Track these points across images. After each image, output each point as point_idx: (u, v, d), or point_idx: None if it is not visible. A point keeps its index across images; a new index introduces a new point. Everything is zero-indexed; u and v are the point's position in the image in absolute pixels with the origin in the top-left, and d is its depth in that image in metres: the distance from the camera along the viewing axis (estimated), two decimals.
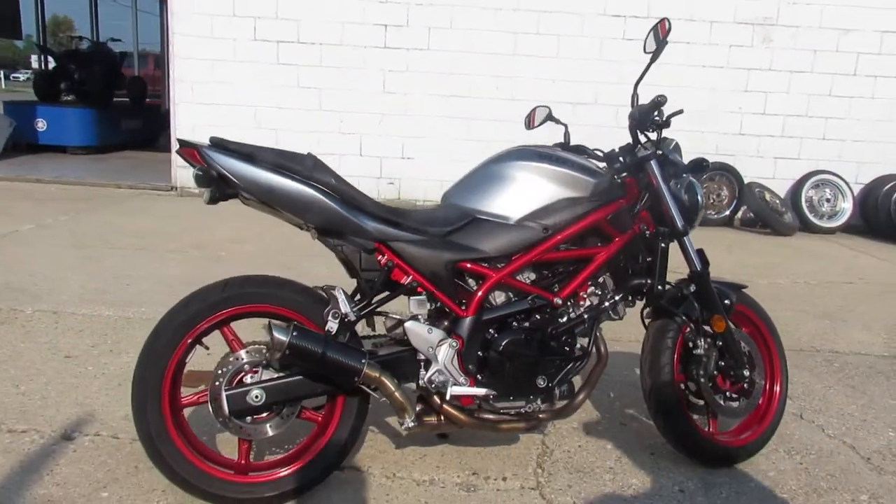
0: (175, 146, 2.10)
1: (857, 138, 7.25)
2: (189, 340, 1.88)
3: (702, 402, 2.29)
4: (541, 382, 2.03)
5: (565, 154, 2.16)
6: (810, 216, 7.12)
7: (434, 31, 6.99)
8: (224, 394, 1.82)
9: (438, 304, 2.00)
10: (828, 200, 7.19)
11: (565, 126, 2.51)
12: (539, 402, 2.05)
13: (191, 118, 7.19)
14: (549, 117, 2.57)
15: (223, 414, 1.84)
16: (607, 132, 7.10)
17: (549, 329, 2.03)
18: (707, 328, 2.23)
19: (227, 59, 7.04)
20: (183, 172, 7.22)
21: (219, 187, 1.85)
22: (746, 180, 7.17)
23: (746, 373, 2.26)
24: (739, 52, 7.06)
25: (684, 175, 2.26)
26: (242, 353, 1.90)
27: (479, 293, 1.99)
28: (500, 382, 2.00)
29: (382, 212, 1.95)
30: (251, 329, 2.09)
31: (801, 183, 7.20)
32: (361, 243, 1.93)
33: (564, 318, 2.06)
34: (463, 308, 1.99)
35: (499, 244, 2.02)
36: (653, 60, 2.15)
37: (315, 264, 4.69)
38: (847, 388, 3.09)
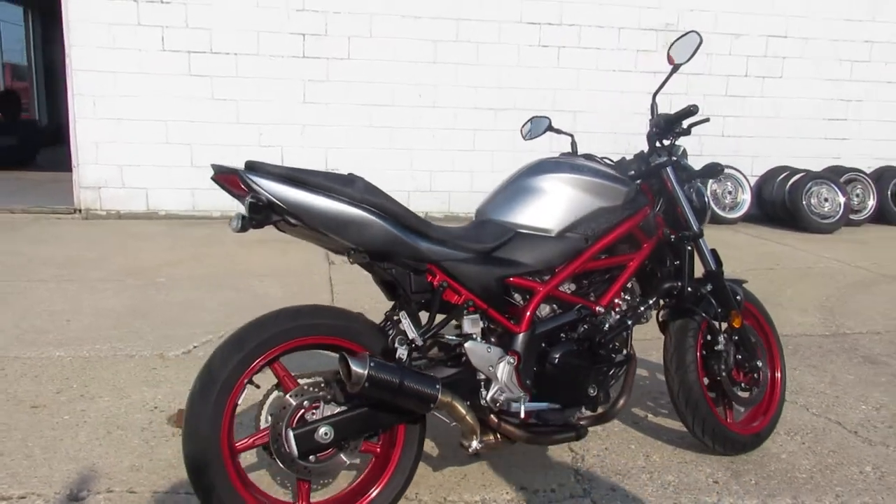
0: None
1: (750, 134, 7.86)
2: (245, 381, 1.76)
3: (714, 395, 2.41)
4: (591, 391, 2.06)
5: (595, 164, 2.20)
6: (716, 208, 7.62)
7: (354, 40, 6.89)
8: (291, 434, 1.71)
9: (491, 322, 1.98)
10: (730, 193, 7.73)
11: (571, 136, 2.57)
12: (587, 410, 2.08)
13: (92, 134, 6.69)
14: (550, 128, 2.61)
15: (289, 455, 1.73)
16: (518, 135, 7.33)
17: (596, 338, 2.06)
18: (719, 324, 2.35)
19: (132, 71, 6.61)
20: (88, 194, 6.70)
21: (265, 215, 1.74)
22: None
23: (759, 364, 2.40)
24: (646, 57, 7.45)
25: (693, 180, 2.37)
26: (301, 388, 1.80)
27: (531, 307, 1.99)
28: (556, 395, 2.01)
29: (432, 231, 1.91)
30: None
31: None
32: (414, 265, 1.87)
33: (607, 326, 2.10)
34: (515, 324, 1.98)
35: (543, 257, 2.03)
36: (674, 71, 2.22)
37: (267, 285, 4.51)
38: (810, 369, 3.34)
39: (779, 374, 2.56)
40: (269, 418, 1.86)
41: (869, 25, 7.84)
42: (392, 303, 2.07)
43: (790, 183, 7.43)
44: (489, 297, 1.96)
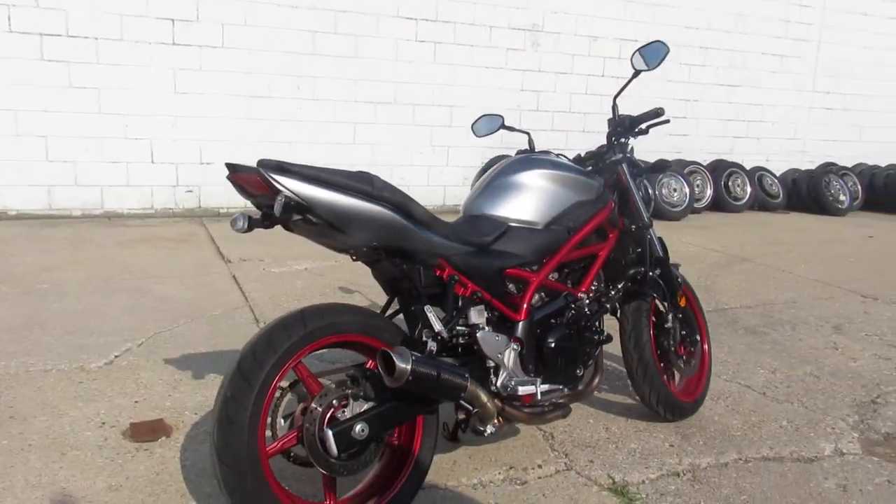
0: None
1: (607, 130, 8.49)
2: (280, 384, 1.71)
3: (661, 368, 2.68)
4: (578, 371, 2.22)
5: (569, 161, 2.35)
6: None
7: (228, 28, 6.59)
8: (330, 433, 1.70)
9: (493, 312, 2.07)
10: None
11: (528, 134, 2.70)
12: (575, 388, 2.24)
13: None
14: (504, 126, 2.73)
15: (326, 455, 1.72)
16: (404, 129, 7.44)
17: (582, 321, 2.22)
18: (666, 304, 2.62)
19: None
20: None
21: (290, 215, 1.70)
22: None
23: (698, 338, 2.70)
24: (515, 55, 7.82)
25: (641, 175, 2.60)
26: (328, 388, 1.78)
27: (528, 296, 2.11)
28: (551, 376, 2.15)
29: (440, 226, 1.96)
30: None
31: None
32: (426, 260, 1.92)
33: (588, 310, 2.27)
34: (514, 312, 2.09)
35: (534, 248, 2.15)
36: (634, 77, 2.42)
37: (167, 288, 4.25)
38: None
39: (706, 346, 2.88)
40: (283, 421, 1.84)
41: (704, 33, 8.78)
42: (392, 299, 2.10)
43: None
44: (491, 288, 2.05)
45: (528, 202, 2.18)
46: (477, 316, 2.03)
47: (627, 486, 2.24)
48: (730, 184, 8.86)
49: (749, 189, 8.95)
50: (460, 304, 1.98)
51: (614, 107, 2.54)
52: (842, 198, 9.21)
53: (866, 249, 6.84)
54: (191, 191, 6.77)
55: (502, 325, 2.09)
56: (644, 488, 2.23)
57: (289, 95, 6.92)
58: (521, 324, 2.08)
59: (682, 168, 8.42)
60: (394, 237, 1.83)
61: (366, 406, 1.79)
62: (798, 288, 5.02)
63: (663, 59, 2.44)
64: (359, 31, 7.08)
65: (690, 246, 6.44)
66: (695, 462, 2.42)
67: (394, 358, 1.67)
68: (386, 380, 1.70)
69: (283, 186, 1.67)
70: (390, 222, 1.81)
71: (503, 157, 2.66)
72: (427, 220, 1.91)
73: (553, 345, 2.13)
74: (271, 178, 1.67)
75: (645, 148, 8.53)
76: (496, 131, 2.77)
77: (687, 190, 8.17)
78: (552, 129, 8.19)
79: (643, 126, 2.53)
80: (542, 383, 2.10)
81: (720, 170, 8.87)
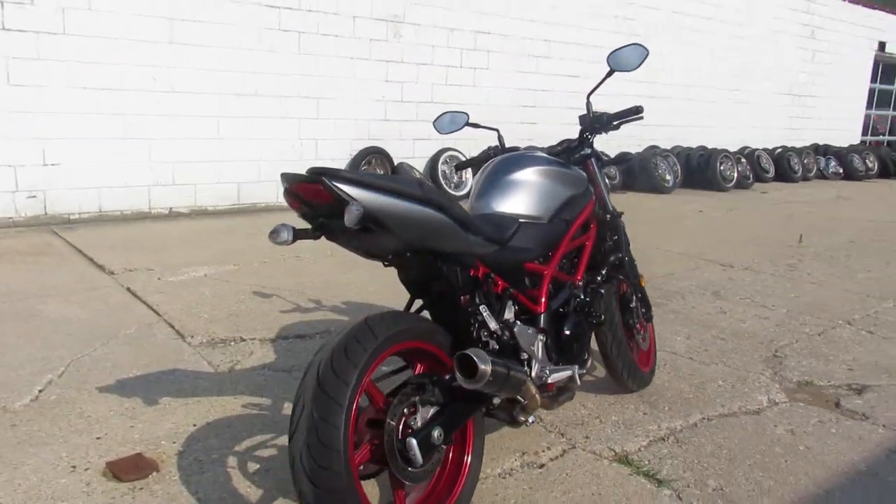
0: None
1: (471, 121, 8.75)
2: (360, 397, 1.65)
3: None
4: (585, 355, 2.36)
5: (557, 157, 2.46)
6: (446, 187, 8.40)
7: (70, 13, 5.90)
8: (414, 442, 1.67)
9: (518, 306, 2.13)
10: (456, 173, 8.57)
11: (497, 130, 2.77)
12: (584, 371, 2.37)
13: None
14: (469, 123, 2.78)
15: (406, 465, 1.69)
16: (270, 122, 7.16)
17: (585, 308, 2.35)
18: (629, 285, 2.84)
19: None
20: None
21: (355, 224, 1.64)
22: (396, 161, 8.06)
23: (652, 314, 2.95)
24: (379, 46, 7.80)
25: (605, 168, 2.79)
26: (401, 397, 1.75)
27: (545, 288, 2.20)
28: (567, 362, 2.26)
29: (474, 225, 1.98)
30: None
31: (435, 160, 8.42)
32: (465, 260, 1.94)
33: (588, 297, 2.41)
34: (535, 305, 2.17)
35: (543, 242, 2.24)
36: (608, 76, 2.56)
37: (57, 307, 3.81)
38: None
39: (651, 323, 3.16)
40: None
41: (548, 27, 9.32)
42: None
43: None
44: (516, 283, 2.11)
45: (534, 198, 2.27)
46: (509, 311, 2.09)
47: (628, 455, 2.43)
48: None
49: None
50: (498, 301, 2.02)
51: (588, 103, 2.67)
52: (667, 177, 10.27)
53: (702, 223, 7.74)
54: (34, 196, 6.01)
55: (526, 318, 2.16)
56: (643, 455, 2.43)
57: (145, 87, 6.36)
58: (542, 315, 2.17)
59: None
60: (442, 239, 1.83)
61: (432, 411, 1.79)
62: (669, 262, 5.58)
63: (643, 61, 2.56)
64: (220, 20, 6.67)
65: None
66: (671, 426, 2.67)
67: (476, 360, 1.68)
68: (464, 382, 1.71)
69: (350, 196, 1.61)
70: (442, 225, 1.81)
71: (493, 148, 2.70)
72: (466, 220, 1.93)
73: (568, 332, 2.25)
74: (337, 187, 1.61)
75: (486, 134, 8.94)
76: (461, 129, 2.80)
77: None
78: (417, 120, 8.30)
79: (615, 122, 2.68)
80: (562, 370, 2.21)
81: None
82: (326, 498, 1.56)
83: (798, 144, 13.51)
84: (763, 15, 12.47)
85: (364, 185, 1.65)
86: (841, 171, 13.55)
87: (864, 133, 16.11)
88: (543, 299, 2.19)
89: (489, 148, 2.72)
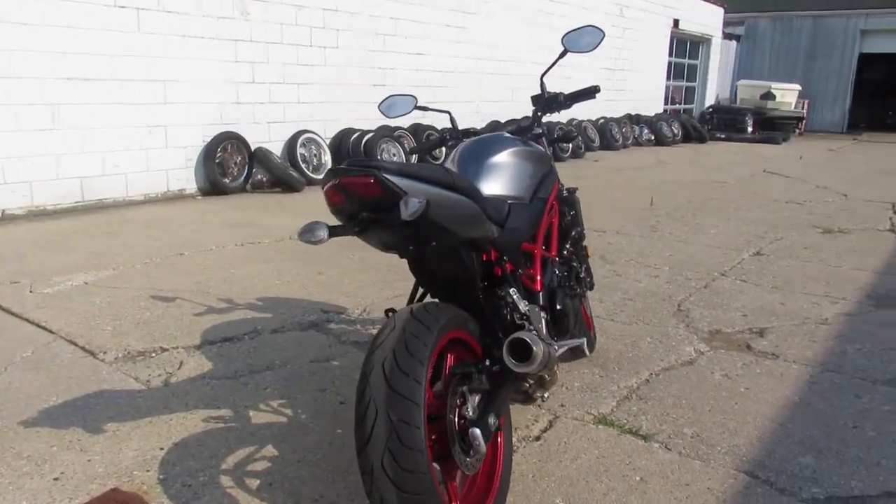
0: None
1: (321, 100, 8.53)
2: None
3: None
4: (572, 326, 2.45)
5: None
6: (307, 171, 8.15)
7: None
8: (478, 431, 1.66)
9: (519, 287, 2.16)
10: (315, 155, 8.34)
11: (448, 112, 2.75)
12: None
13: None
14: (417, 106, 2.74)
15: (469, 456, 1.67)
16: (114, 109, 6.49)
17: (569, 282, 2.44)
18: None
19: None
20: None
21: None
22: (253, 146, 7.66)
23: (594, 283, 3.13)
24: (226, 24, 7.31)
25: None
26: (453, 387, 1.72)
27: (538, 267, 2.25)
28: (563, 336, 2.33)
29: (488, 209, 1.97)
30: None
31: (292, 143, 8.11)
32: (483, 245, 1.94)
33: (568, 271, 2.49)
34: (534, 284, 2.22)
35: (529, 222, 2.29)
36: (561, 56, 2.62)
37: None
38: None
39: None
40: None
41: (393, 4, 9.26)
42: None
43: (364, 142, 8.44)
44: (518, 264, 2.15)
45: (516, 179, 2.30)
46: (514, 292, 2.12)
47: (606, 417, 2.58)
48: None
49: (444, 149, 9.86)
50: (497, 282, 2.05)
51: (542, 84, 2.72)
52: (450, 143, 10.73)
53: None
54: None
55: (526, 297, 2.20)
56: (618, 415, 2.60)
57: None
58: (540, 294, 2.23)
59: (392, 132, 8.92)
60: (471, 226, 1.82)
61: (478, 399, 1.79)
62: None
63: (599, 42, 2.64)
64: None
65: None
66: (627, 384, 2.86)
67: (530, 343, 1.70)
68: (516, 366, 1.72)
69: (401, 189, 1.55)
70: (473, 212, 1.80)
71: (448, 130, 2.68)
72: (485, 205, 1.92)
73: (560, 307, 2.33)
74: (390, 181, 1.54)
75: (352, 115, 8.83)
76: (409, 112, 2.75)
77: (402, 154, 8.71)
78: (270, 102, 7.93)
79: (569, 102, 2.76)
80: (572, 342, 2.28)
81: (419, 133, 9.60)
82: (413, 502, 1.51)
83: (616, 115, 14.71)
84: None
85: (412, 176, 1.60)
86: (653, 137, 14.99)
87: (666, 102, 17.88)
88: (539, 277, 2.25)
89: (443, 130, 2.70)
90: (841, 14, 21.16)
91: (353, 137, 8.57)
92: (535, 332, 1.91)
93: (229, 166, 7.46)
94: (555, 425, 2.50)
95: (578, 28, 2.67)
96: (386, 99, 2.78)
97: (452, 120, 2.77)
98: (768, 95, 18.58)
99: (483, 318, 1.94)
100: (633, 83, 15.65)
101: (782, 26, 22.31)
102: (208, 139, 7.28)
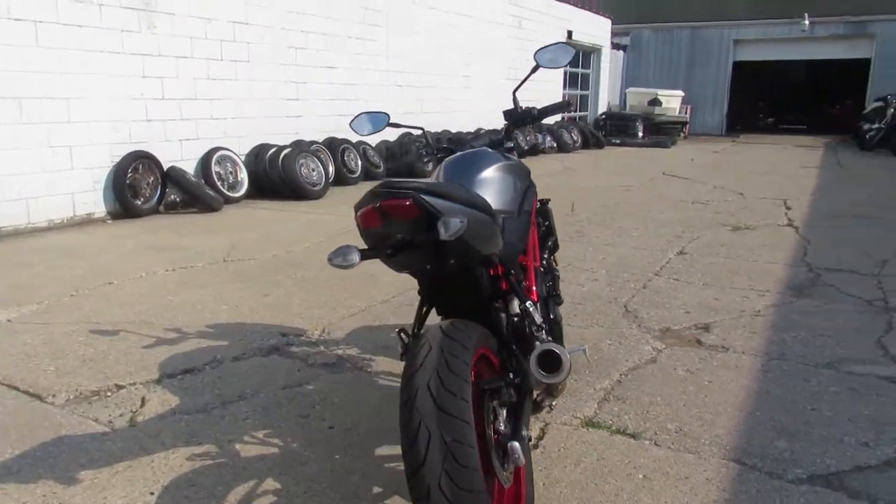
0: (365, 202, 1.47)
1: (233, 115, 8.26)
2: None
3: None
4: (562, 333, 2.51)
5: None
6: (223, 189, 7.86)
7: None
8: (517, 445, 1.67)
9: (520, 298, 2.20)
10: (231, 173, 8.06)
11: (422, 129, 2.75)
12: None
13: None
14: (390, 123, 2.73)
15: (508, 469, 1.69)
16: (12, 130, 6.04)
17: (555, 290, 2.50)
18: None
19: None
20: None
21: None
22: (165, 165, 7.32)
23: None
24: (131, 38, 6.96)
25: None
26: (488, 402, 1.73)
27: (533, 278, 2.29)
28: (558, 341, 2.39)
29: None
30: None
31: (207, 160, 7.81)
32: (492, 260, 1.96)
33: (551, 280, 2.55)
34: (531, 294, 2.26)
35: (519, 234, 2.32)
36: (533, 72, 2.68)
37: None
38: None
39: None
40: None
41: (303, 18, 9.12)
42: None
43: (282, 157, 8.24)
44: (517, 276, 2.18)
45: (504, 192, 2.33)
46: (516, 305, 2.15)
47: (592, 419, 2.67)
48: (345, 158, 9.55)
49: (360, 162, 9.80)
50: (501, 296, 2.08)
51: (514, 99, 2.77)
52: (426, 160, 10.81)
53: None
54: None
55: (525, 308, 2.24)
56: (603, 416, 2.69)
57: None
58: (538, 304, 2.27)
59: (308, 147, 8.77)
60: (491, 244, 1.84)
61: (505, 412, 1.81)
62: None
63: (570, 59, 2.71)
64: None
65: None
66: (602, 387, 2.97)
67: (560, 354, 1.74)
68: (545, 377, 1.76)
69: (438, 210, 1.55)
70: (495, 230, 1.82)
71: (424, 146, 2.69)
72: (499, 221, 1.95)
73: (552, 315, 2.38)
74: (428, 202, 1.54)
75: (265, 131, 8.60)
76: (382, 129, 2.74)
77: (322, 169, 8.58)
78: (181, 119, 7.61)
79: (543, 117, 2.82)
80: (574, 350, 2.32)
81: (335, 147, 9.48)
82: None
83: None
84: (480, 7, 13.62)
85: (443, 196, 1.61)
86: (555, 144, 15.50)
87: None
88: (534, 288, 2.30)
89: (417, 146, 2.71)
90: (715, 25, 22.77)
91: (269, 153, 8.35)
92: (552, 341, 1.95)
93: (141, 187, 7.09)
94: (548, 432, 2.55)
95: (551, 44, 2.73)
96: (357, 116, 2.75)
97: (426, 135, 2.78)
98: (655, 101, 19.70)
99: (497, 332, 1.96)
100: (533, 92, 16.13)
101: (664, 37, 23.74)
102: (117, 159, 6.89)
